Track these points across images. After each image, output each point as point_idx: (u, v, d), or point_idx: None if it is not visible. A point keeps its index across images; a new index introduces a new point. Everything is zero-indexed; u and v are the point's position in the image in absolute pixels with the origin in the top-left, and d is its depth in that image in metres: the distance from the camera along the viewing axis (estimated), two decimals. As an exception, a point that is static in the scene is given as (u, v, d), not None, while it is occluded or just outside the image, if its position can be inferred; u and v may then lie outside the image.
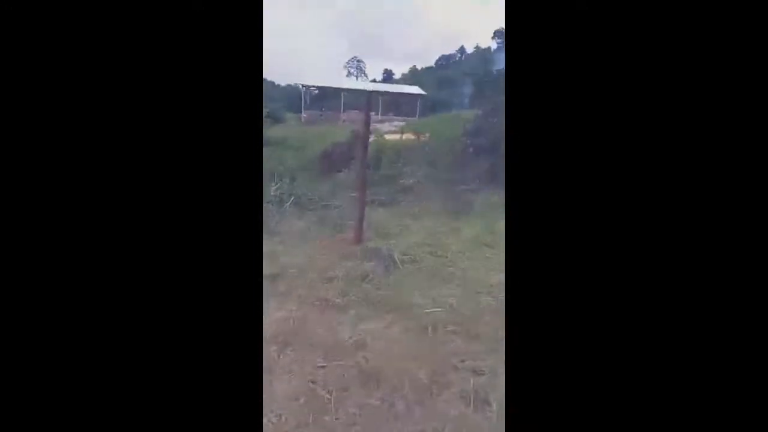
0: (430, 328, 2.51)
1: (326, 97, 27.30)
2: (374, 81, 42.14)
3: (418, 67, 49.55)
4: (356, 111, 25.67)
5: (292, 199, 6.75)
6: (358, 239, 3.93)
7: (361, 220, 3.98)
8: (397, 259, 3.47)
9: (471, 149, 8.72)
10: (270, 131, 14.38)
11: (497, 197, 6.29)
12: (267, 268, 3.56)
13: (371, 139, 10.90)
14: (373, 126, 16.99)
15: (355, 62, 55.16)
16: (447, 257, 3.77)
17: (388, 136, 11.69)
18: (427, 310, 2.73)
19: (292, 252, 4.01)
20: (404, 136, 11.66)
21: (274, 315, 2.63)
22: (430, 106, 27.25)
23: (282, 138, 13.42)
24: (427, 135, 10.67)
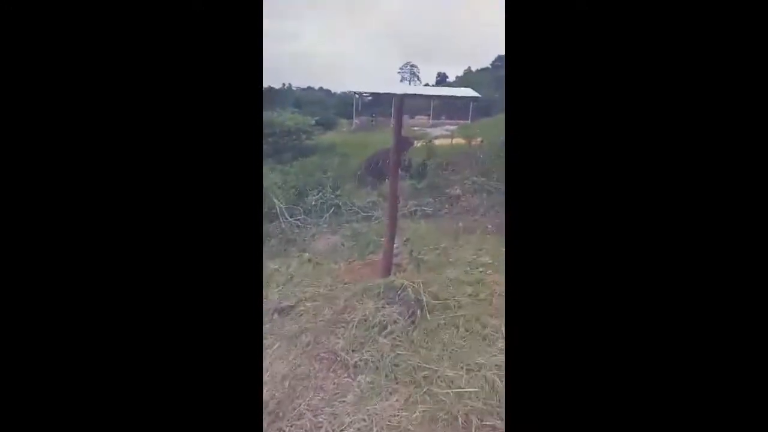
0: (460, 419, 1.76)
1: (380, 104, 27.33)
2: (427, 85, 41.71)
3: (473, 69, 48.13)
4: (407, 116, 25.34)
5: (332, 210, 6.44)
6: (387, 268, 3.35)
7: (391, 242, 3.42)
8: (425, 304, 2.64)
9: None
10: (319, 139, 14.43)
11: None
12: (283, 298, 3.14)
13: (417, 144, 10.36)
14: (422, 131, 16.59)
15: (409, 67, 55.05)
16: (491, 303, 2.79)
17: (437, 141, 11.04)
18: (456, 389, 1.94)
19: (314, 276, 3.59)
20: (454, 141, 10.96)
21: (275, 367, 2.17)
22: (485, 108, 26.09)
23: (330, 145, 13.32)
24: (479, 140, 9.83)
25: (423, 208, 6.43)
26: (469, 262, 3.83)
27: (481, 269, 3.61)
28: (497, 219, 5.58)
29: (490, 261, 3.78)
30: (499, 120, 14.97)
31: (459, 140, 10.67)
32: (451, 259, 3.95)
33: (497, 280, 3.17)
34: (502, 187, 7.02)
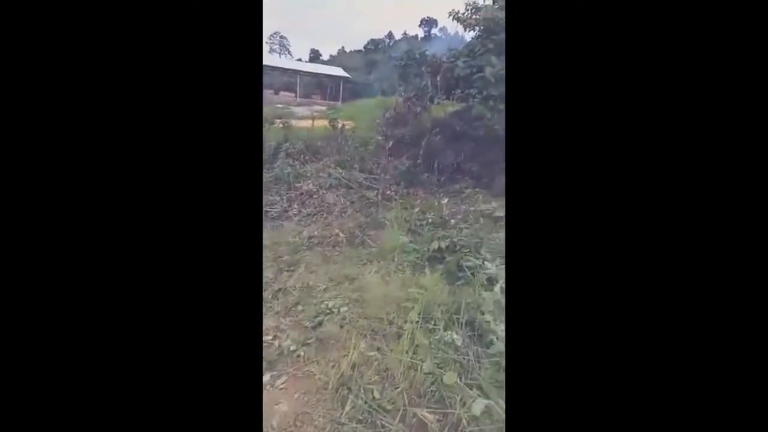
0: None
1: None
2: (300, 60, 39.15)
3: (347, 50, 47.18)
4: (271, 91, 22.77)
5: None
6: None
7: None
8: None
9: (391, 142, 7.10)
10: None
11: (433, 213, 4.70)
12: None
13: (274, 124, 8.78)
14: (287, 109, 14.84)
15: (278, 38, 50.76)
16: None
17: (295, 123, 9.57)
18: None
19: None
20: (315, 123, 9.67)
21: None
22: (357, 90, 25.50)
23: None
24: (343, 123, 8.79)
25: (266, 209, 5.07)
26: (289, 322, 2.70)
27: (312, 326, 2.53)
28: (351, 222, 4.62)
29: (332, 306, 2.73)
30: (370, 103, 14.33)
31: (323, 122, 9.42)
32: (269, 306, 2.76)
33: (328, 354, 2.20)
34: (363, 180, 6.17)
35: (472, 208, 4.79)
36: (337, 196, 5.58)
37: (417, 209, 4.82)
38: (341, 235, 4.18)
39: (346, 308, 2.65)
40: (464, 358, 2.00)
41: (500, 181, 6.01)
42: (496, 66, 6.06)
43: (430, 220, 4.46)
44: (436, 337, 2.14)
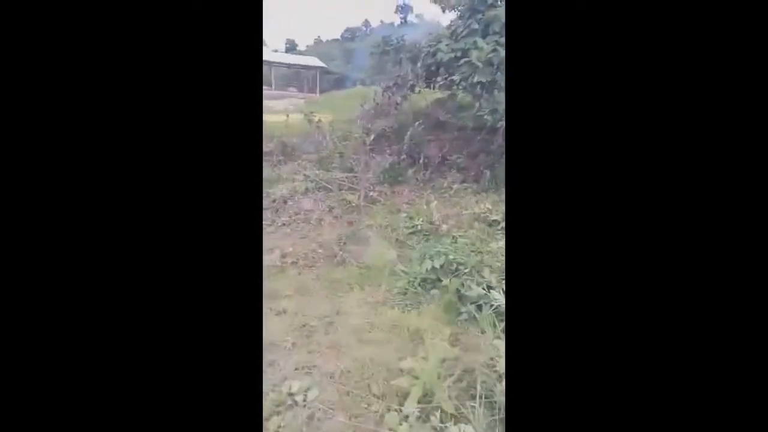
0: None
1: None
2: (276, 51, 37.74)
3: (323, 39, 45.78)
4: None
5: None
6: None
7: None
8: None
9: (372, 136, 6.52)
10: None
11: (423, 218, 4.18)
12: None
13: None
14: (265, 103, 14.04)
15: (251, 29, 48.87)
16: None
17: (268, 118, 8.85)
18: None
19: None
20: (291, 118, 8.97)
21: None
22: (335, 80, 24.62)
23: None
24: (320, 117, 8.12)
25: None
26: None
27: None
28: (330, 233, 4.06)
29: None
30: (349, 94, 13.60)
31: (298, 116, 8.72)
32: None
33: None
34: (345, 179, 5.60)
35: (465, 211, 4.29)
36: (315, 201, 5.00)
37: (404, 215, 4.30)
38: (319, 251, 3.64)
39: (315, 392, 1.89)
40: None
41: (489, 174, 5.57)
42: (483, 49, 5.50)
43: (419, 227, 3.95)
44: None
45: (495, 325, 2.04)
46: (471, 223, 3.98)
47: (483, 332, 2.06)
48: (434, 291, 2.65)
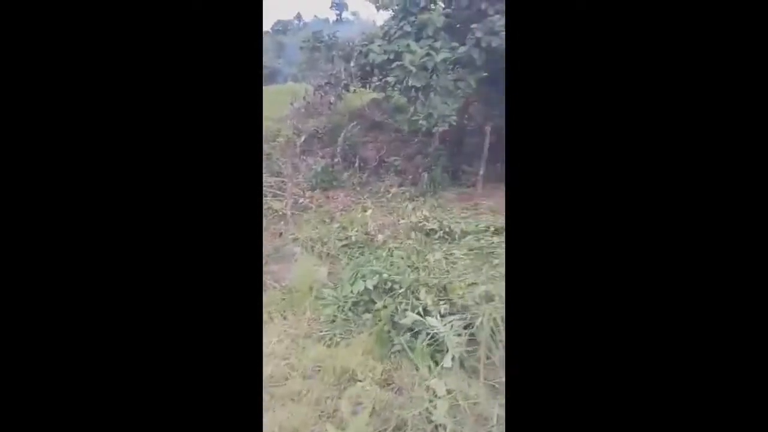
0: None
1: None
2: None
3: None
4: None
5: None
6: None
7: None
8: None
9: (303, 137, 6.11)
10: None
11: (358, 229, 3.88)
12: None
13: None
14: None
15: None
16: None
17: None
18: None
19: None
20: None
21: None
22: (265, 75, 23.39)
23: None
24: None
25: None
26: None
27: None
28: (276, 267, 3.57)
29: None
30: (278, 90, 12.79)
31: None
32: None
33: None
34: (273, 183, 5.10)
35: (401, 221, 4.11)
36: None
37: (337, 225, 4.00)
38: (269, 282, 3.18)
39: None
40: None
41: (427, 177, 5.51)
42: (416, 53, 5.39)
43: (353, 239, 3.68)
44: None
45: (432, 358, 1.84)
46: (408, 233, 3.81)
47: (417, 369, 1.84)
48: (366, 316, 2.40)
